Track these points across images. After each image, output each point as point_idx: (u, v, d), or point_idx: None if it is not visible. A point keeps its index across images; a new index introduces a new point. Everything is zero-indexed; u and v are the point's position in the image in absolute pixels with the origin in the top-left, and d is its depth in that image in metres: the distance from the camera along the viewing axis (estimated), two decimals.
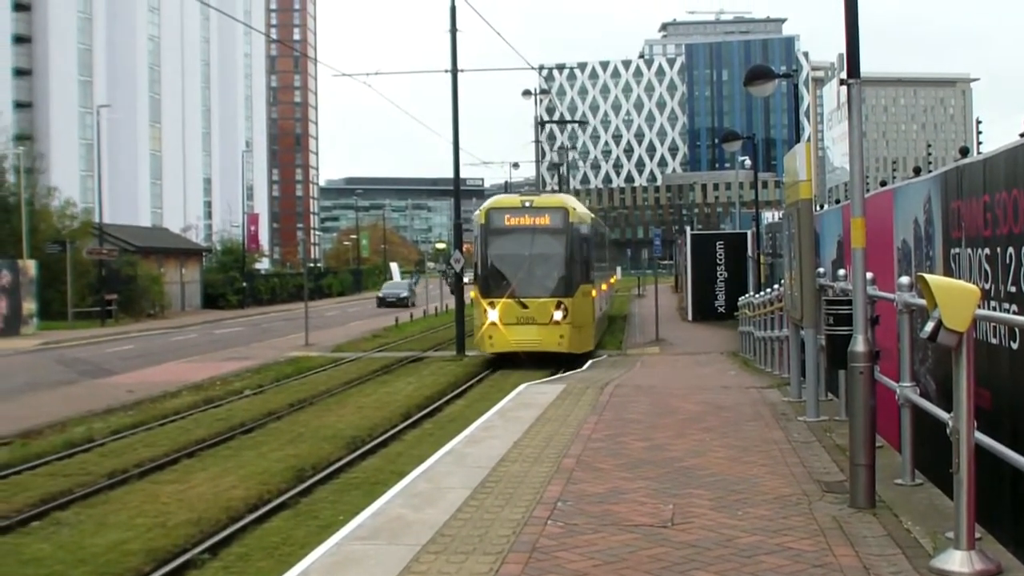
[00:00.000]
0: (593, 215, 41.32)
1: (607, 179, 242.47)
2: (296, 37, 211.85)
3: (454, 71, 39.67)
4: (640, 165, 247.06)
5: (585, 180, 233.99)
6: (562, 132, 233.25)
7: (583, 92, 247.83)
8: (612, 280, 61.34)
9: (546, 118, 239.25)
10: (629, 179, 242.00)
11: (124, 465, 18.47)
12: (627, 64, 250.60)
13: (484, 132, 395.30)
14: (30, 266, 55.66)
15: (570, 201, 35.08)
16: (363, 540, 8.66)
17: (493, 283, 32.62)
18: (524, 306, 31.91)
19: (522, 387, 18.09)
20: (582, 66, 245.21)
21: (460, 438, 13.23)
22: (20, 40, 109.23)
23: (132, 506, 15.49)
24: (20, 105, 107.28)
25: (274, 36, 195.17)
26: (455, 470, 11.30)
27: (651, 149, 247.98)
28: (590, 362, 30.27)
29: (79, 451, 20.25)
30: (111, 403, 26.80)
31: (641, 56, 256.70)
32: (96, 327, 58.75)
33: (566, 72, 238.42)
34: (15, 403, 28.19)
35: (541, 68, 53.60)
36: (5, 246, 59.61)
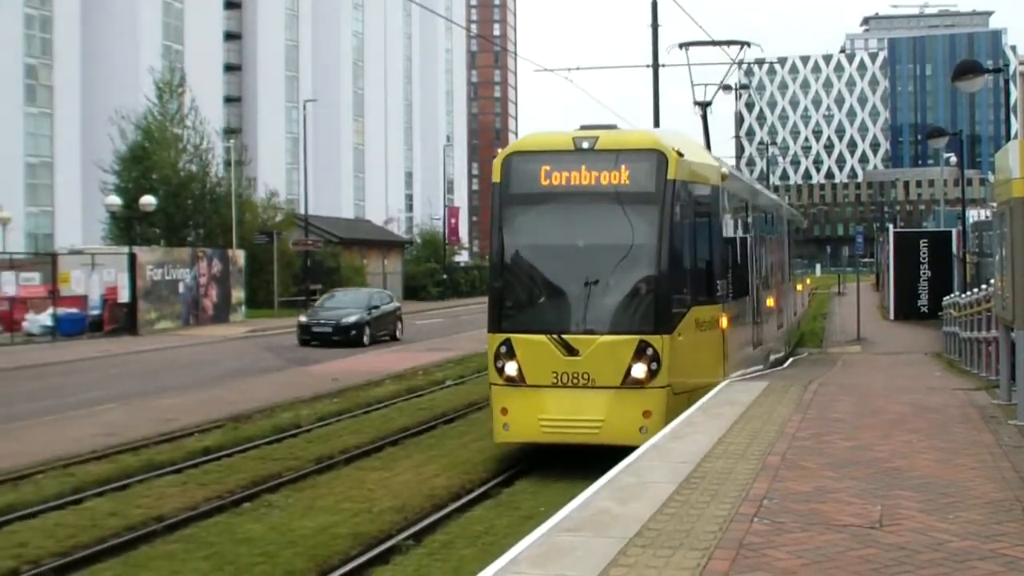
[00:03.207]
0: (733, 170, 23.31)
1: (807, 175, 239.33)
2: (496, 32, 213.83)
3: (655, 66, 39.57)
4: (841, 161, 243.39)
5: (785, 176, 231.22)
6: (761, 127, 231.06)
7: (783, 87, 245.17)
8: (801, 286, 43.19)
9: (745, 114, 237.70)
10: (829, 175, 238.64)
11: (330, 451, 18.97)
12: (828, 59, 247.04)
13: (684, 127, 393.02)
14: (239, 256, 57.24)
15: (671, 139, 17.83)
16: (570, 532, 8.74)
17: (512, 303, 17.67)
18: (571, 350, 16.41)
19: (723, 383, 18.01)
20: (782, 60, 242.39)
21: (663, 433, 13.25)
22: (231, 37, 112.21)
23: (338, 491, 15.92)
24: (229, 99, 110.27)
25: (475, 31, 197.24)
26: (659, 465, 11.33)
27: (852, 145, 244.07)
28: (791, 360, 29.47)
29: (287, 436, 20.86)
30: (317, 390, 27.46)
31: (842, 50, 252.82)
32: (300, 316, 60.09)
33: (766, 67, 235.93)
34: (226, 388, 29.10)
35: (741, 63, 52.44)
36: (214, 236, 61.44)
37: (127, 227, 54.66)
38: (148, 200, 50.92)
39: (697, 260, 17.90)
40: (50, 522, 14.22)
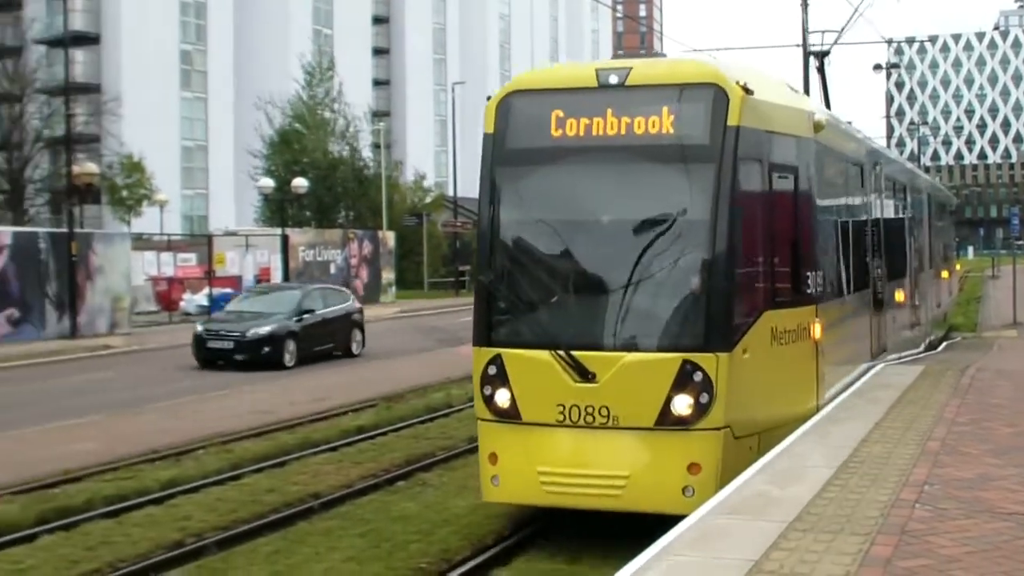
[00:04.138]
0: (835, 120, 16.54)
1: (959, 156, 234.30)
2: (642, 13, 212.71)
3: (805, 46, 39.11)
4: (994, 141, 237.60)
5: (936, 157, 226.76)
6: (911, 106, 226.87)
7: (934, 66, 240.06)
8: (948, 273, 35.84)
9: (895, 94, 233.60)
10: (982, 156, 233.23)
11: None
12: (981, 36, 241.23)
13: (834, 106, 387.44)
14: (389, 237, 57.90)
15: (737, 72, 12.09)
16: (727, 515, 8.71)
17: (506, 305, 12.37)
18: (585, 373, 11.39)
19: (879, 367, 17.71)
20: (933, 39, 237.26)
21: (819, 417, 13.09)
22: (379, 21, 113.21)
23: None
24: (378, 83, 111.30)
25: (621, 12, 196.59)
26: (816, 448, 11.21)
27: (1006, 125, 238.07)
28: (945, 343, 28.81)
29: (439, 416, 21.13)
30: (467, 371, 27.56)
31: (996, 28, 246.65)
32: (449, 297, 60.65)
33: (916, 45, 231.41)
34: (378, 367, 29.53)
35: (891, 41, 51.01)
36: (364, 218, 62.25)
37: (279, 209, 55.64)
38: (300, 182, 51.79)
39: (775, 243, 12.52)
40: (211, 496, 14.64)
